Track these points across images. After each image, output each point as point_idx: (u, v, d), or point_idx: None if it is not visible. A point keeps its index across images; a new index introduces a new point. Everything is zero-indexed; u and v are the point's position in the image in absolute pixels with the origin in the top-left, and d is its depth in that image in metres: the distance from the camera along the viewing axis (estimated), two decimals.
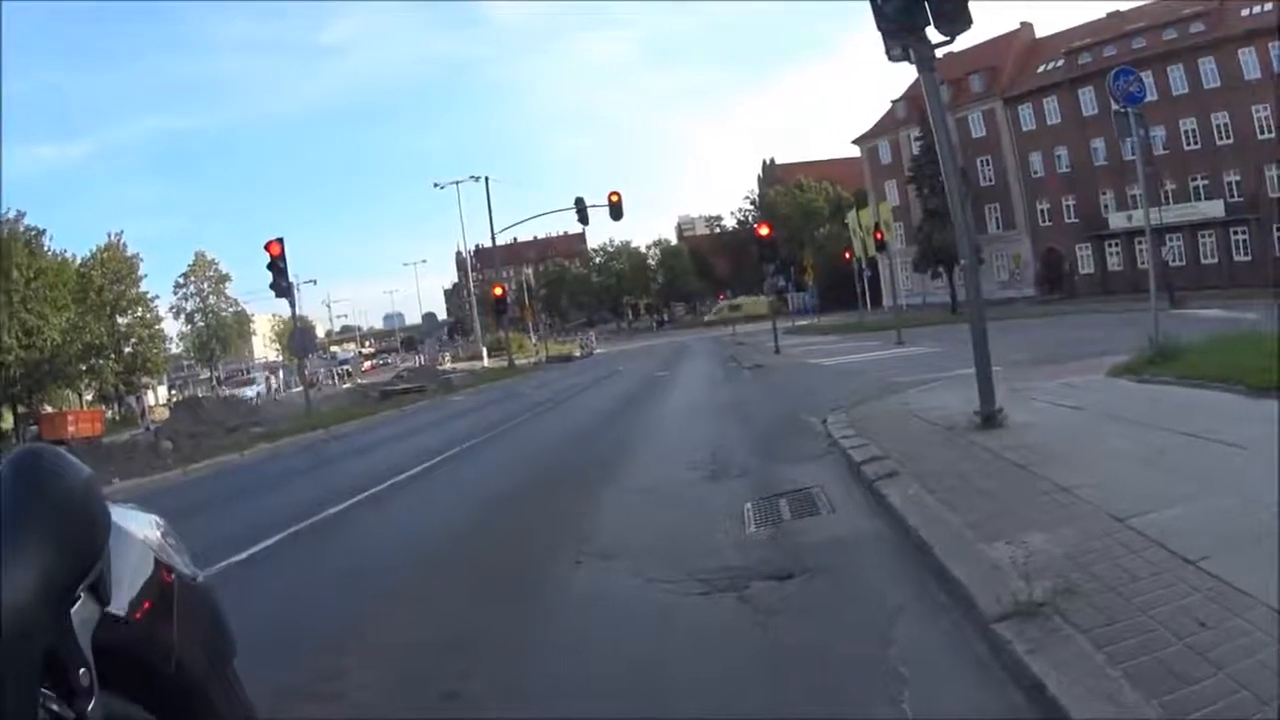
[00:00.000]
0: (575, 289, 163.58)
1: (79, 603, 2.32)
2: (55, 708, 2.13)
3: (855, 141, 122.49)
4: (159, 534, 3.23)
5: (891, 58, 13.04)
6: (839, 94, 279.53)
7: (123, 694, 2.58)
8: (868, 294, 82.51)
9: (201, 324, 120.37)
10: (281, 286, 37.61)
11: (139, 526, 3.11)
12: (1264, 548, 6.20)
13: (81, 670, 2.23)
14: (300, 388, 57.94)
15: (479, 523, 12.63)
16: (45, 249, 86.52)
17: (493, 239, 70.07)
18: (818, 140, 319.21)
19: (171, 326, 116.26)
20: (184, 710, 2.80)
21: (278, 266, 36.97)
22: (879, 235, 57.51)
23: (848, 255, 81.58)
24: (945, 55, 61.74)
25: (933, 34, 12.79)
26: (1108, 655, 5.03)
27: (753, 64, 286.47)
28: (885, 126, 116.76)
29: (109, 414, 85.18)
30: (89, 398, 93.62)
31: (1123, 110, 19.08)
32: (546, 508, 11.09)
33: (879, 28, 12.88)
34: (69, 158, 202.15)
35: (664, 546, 9.45)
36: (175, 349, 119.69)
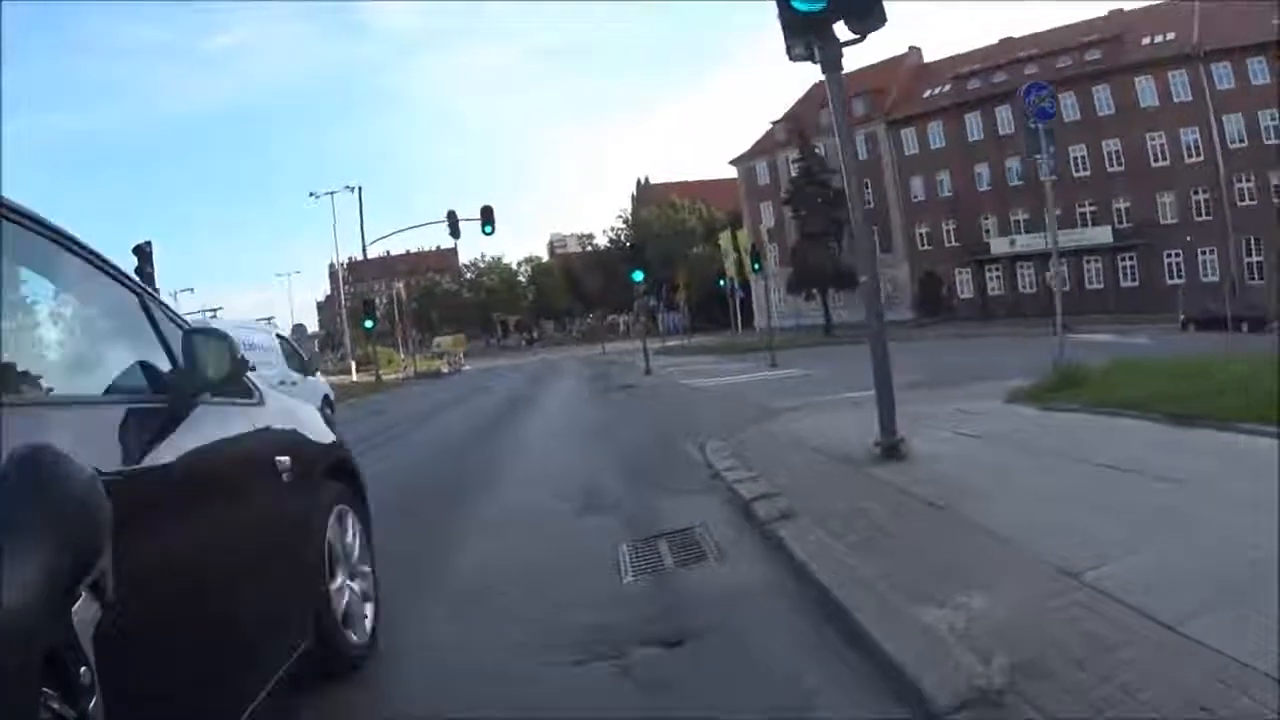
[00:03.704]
0: (446, 304, 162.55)
1: (80, 601, 2.32)
2: (56, 707, 2.13)
3: (732, 162, 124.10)
4: None
5: (793, 56, 11.83)
6: (716, 115, 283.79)
7: None
8: (739, 315, 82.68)
9: None
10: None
11: None
12: (1248, 603, 5.29)
13: (83, 669, 2.26)
14: None
15: None
16: None
17: (364, 250, 68.47)
18: (693, 161, 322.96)
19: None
20: None
21: (144, 271, 35.07)
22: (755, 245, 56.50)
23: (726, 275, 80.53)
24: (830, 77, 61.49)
25: (841, 31, 11.63)
26: None
27: (630, 84, 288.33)
28: (763, 148, 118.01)
29: None
30: None
31: (1034, 126, 18.37)
32: (389, 547, 9.46)
33: (782, 21, 11.71)
34: None
35: (526, 598, 8.01)
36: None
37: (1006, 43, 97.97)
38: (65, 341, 4.48)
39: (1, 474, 2.28)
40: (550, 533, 10.88)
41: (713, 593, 7.63)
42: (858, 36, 11.53)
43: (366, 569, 6.93)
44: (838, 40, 11.63)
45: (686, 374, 43.22)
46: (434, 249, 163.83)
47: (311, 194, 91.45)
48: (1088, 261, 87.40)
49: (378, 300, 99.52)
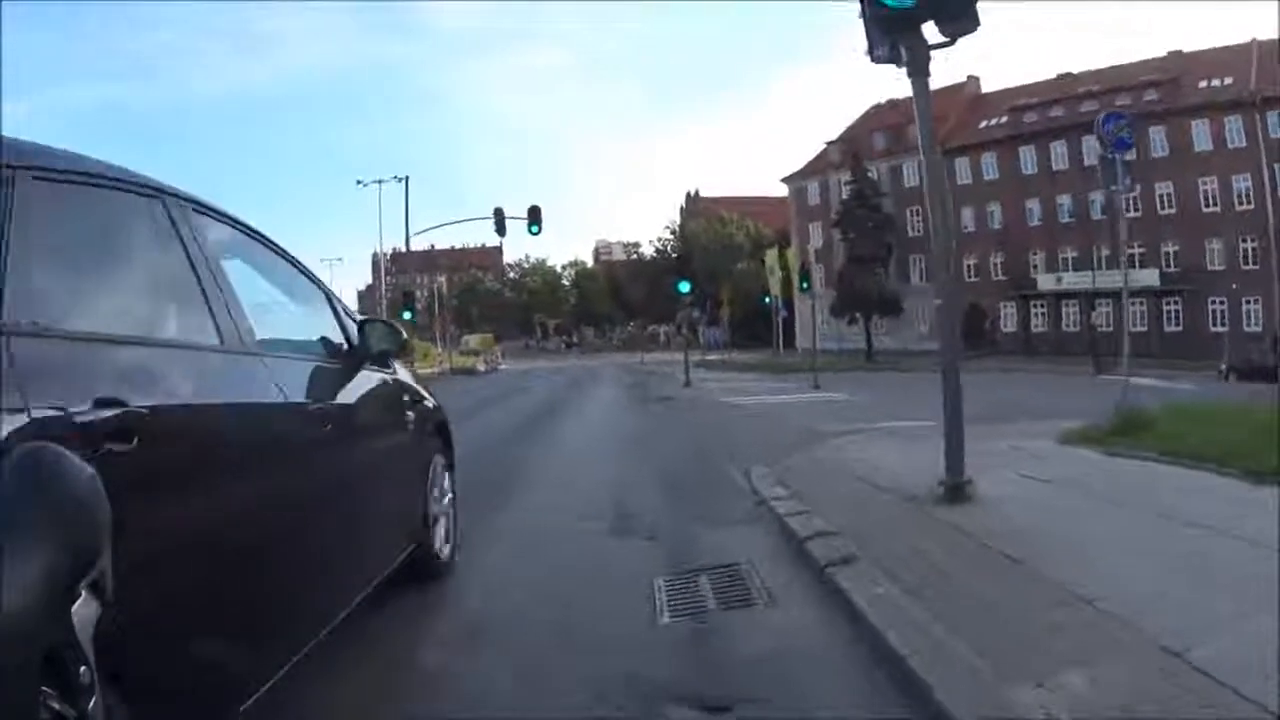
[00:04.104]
0: (487, 302, 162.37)
1: (80, 600, 2.40)
2: (56, 706, 2.21)
3: (784, 180, 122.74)
4: None
5: (875, 58, 10.80)
6: (770, 130, 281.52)
7: None
8: (780, 334, 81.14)
9: None
10: None
11: None
12: None
13: (82, 668, 2.35)
14: None
15: None
16: None
17: (407, 241, 67.08)
18: (743, 176, 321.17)
19: None
20: None
21: None
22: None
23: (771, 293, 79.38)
24: (887, 101, 61.20)
25: (931, 33, 10.69)
26: None
27: (683, 95, 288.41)
28: (816, 168, 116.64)
29: None
30: None
31: (1110, 156, 17.36)
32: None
33: (867, 19, 10.72)
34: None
35: (548, 636, 6.91)
36: None
37: (1065, 78, 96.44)
38: (287, 319, 6.63)
39: (2, 474, 2.27)
40: (580, 555, 9.83)
41: (763, 645, 6.54)
42: (948, 40, 10.55)
43: (450, 510, 9.08)
44: (926, 42, 10.67)
45: (727, 390, 42.31)
46: (479, 246, 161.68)
47: (358, 181, 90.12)
48: (1133, 304, 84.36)
49: (419, 294, 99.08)
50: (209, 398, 4.50)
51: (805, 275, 52.69)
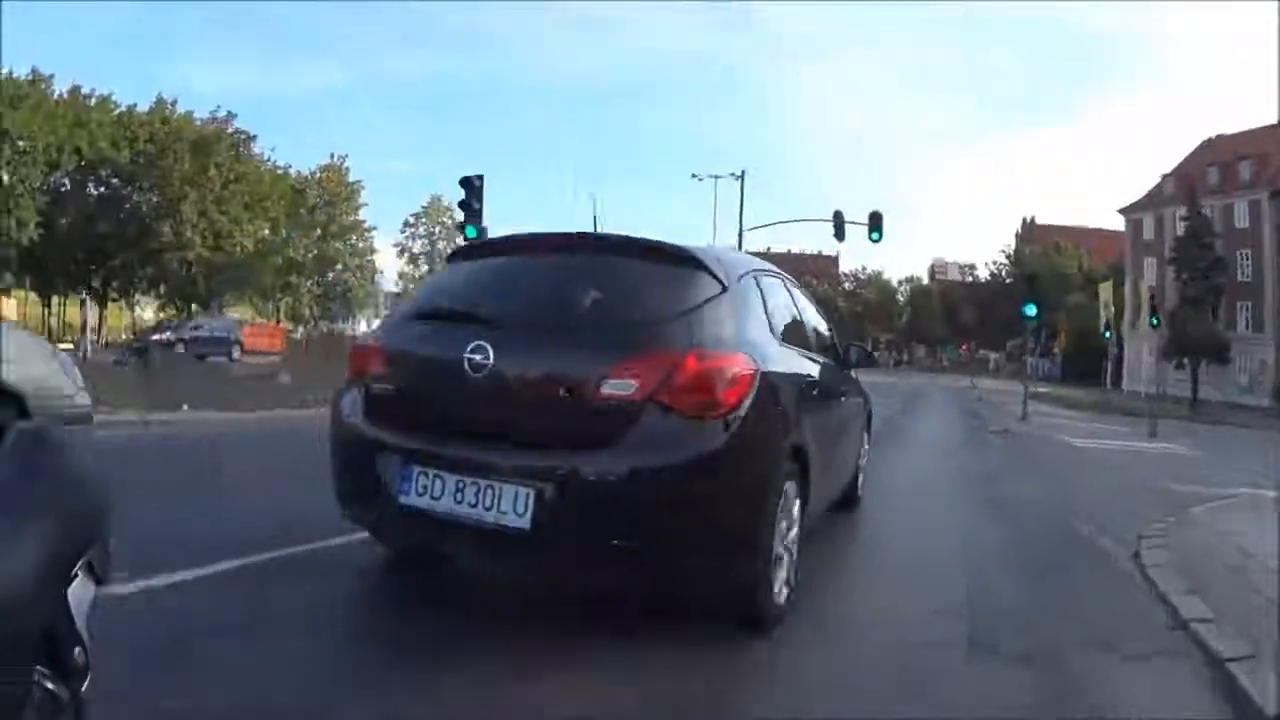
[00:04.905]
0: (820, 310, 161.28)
1: (76, 581, 2.33)
2: (50, 686, 2.15)
3: (1121, 211, 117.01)
4: None
5: None
6: (1105, 160, 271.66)
7: None
8: (1111, 372, 76.82)
9: (426, 267, 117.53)
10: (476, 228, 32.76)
11: None
12: None
13: (77, 649, 2.27)
14: None
15: None
16: (256, 156, 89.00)
17: (740, 238, 64.71)
18: (1078, 203, 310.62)
19: (394, 265, 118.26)
20: None
21: (470, 205, 32.60)
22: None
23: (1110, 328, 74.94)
24: (1218, 136, 59.20)
25: None
26: None
27: (1021, 116, 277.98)
28: (1152, 201, 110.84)
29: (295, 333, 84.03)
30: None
31: None
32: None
33: None
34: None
35: None
36: (394, 287, 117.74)
37: None
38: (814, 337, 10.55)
39: (5, 451, 2.22)
40: (926, 677, 6.82)
41: None
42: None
43: (866, 460, 14.01)
44: None
45: (1065, 429, 38.78)
46: (815, 253, 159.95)
47: (694, 175, 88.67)
48: None
49: None
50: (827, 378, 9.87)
51: (1155, 312, 49.40)
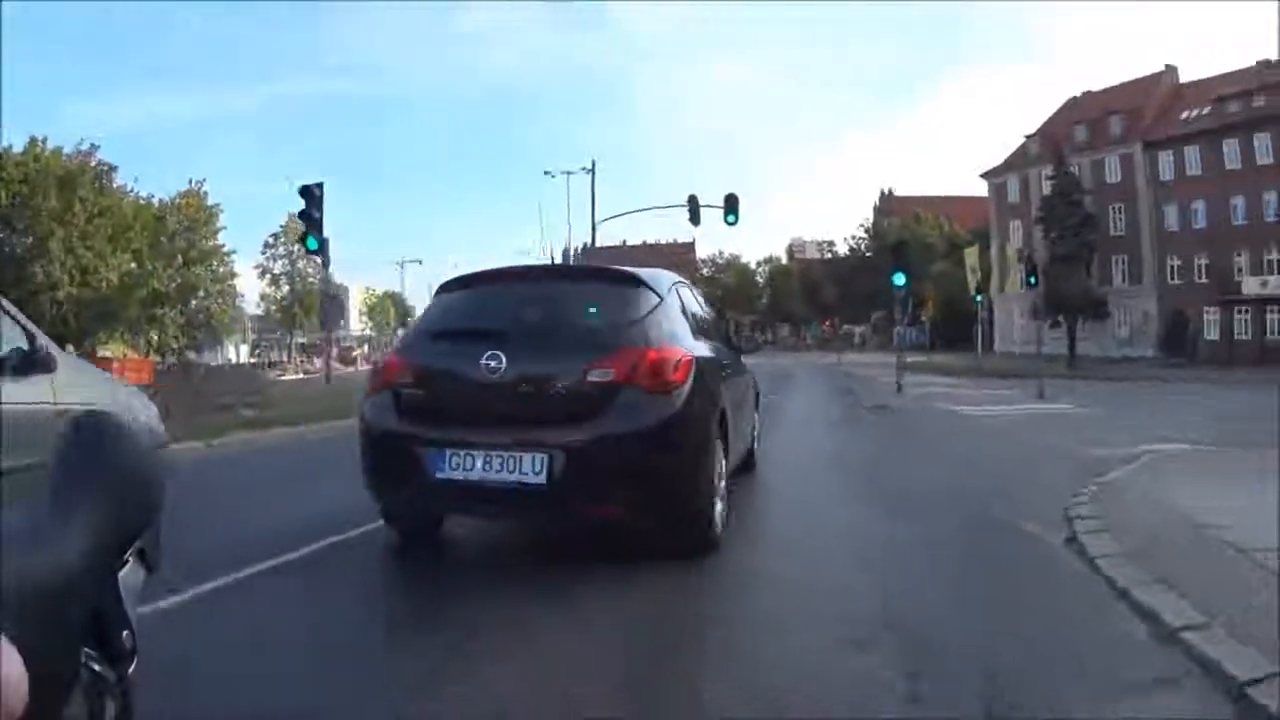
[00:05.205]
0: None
1: (127, 567, 2.40)
2: (97, 668, 2.14)
3: (983, 176, 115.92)
4: None
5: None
6: (964, 127, 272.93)
7: None
8: (982, 336, 76.26)
9: (287, 287, 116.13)
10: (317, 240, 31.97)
11: None
12: None
13: (125, 633, 2.26)
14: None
15: None
16: (119, 187, 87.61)
17: (593, 229, 63.09)
18: (937, 174, 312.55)
19: (255, 286, 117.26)
20: None
21: (310, 215, 31.36)
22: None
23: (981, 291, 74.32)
24: (1084, 94, 59.25)
25: None
26: None
27: (876, 90, 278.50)
28: (1015, 163, 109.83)
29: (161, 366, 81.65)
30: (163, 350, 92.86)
31: None
32: None
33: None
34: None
35: None
36: (257, 309, 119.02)
37: (1264, 66, 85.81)
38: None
39: (66, 437, 2.25)
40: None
41: None
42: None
43: (759, 425, 15.96)
44: None
45: (945, 397, 36.34)
46: (671, 241, 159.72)
47: (546, 172, 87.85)
48: None
49: None
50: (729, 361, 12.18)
51: (1033, 271, 47.86)
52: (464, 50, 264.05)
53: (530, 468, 8.38)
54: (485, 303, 10.16)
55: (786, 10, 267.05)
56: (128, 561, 2.36)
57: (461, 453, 8.56)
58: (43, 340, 8.38)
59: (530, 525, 10.71)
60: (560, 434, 8.42)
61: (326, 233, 31.09)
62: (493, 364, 8.69)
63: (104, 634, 2.15)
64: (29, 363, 8.11)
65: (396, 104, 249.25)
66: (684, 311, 10.51)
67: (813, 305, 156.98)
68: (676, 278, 11.41)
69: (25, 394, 7.94)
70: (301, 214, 31.68)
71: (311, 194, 31.14)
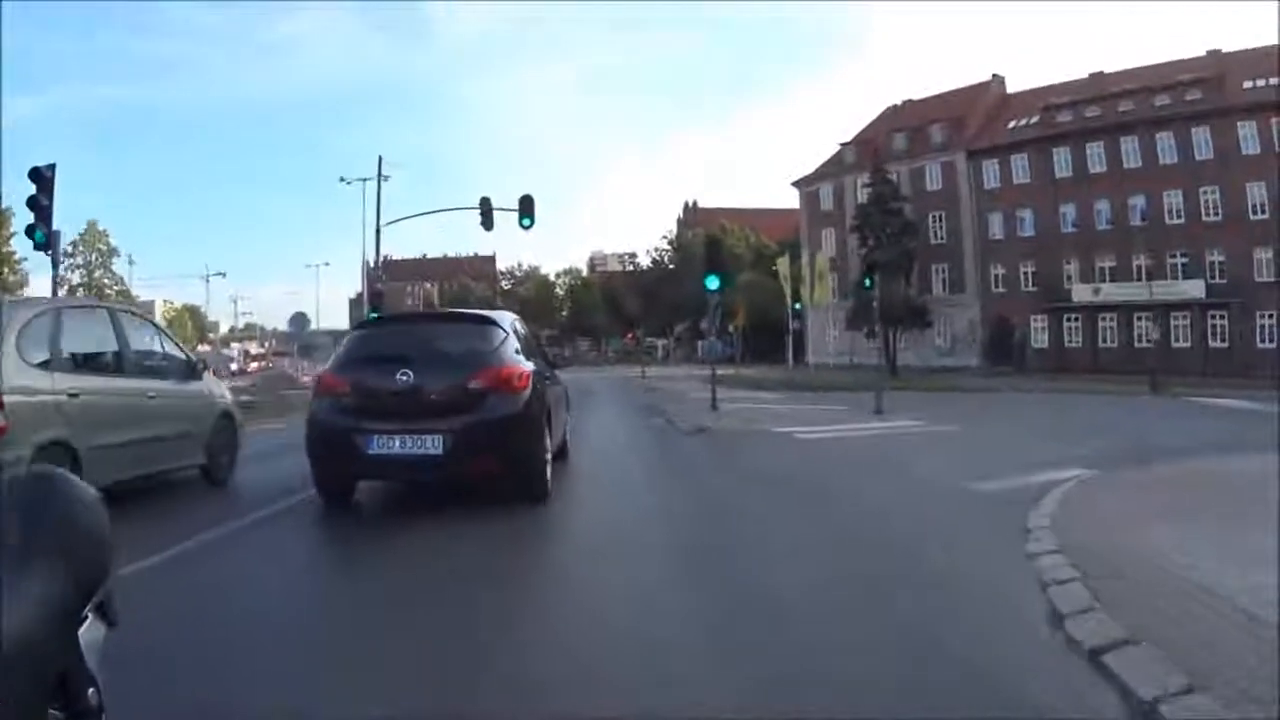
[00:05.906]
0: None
1: (87, 623, 2.33)
2: None
3: (795, 184, 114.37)
4: None
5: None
6: (774, 142, 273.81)
7: None
8: (792, 347, 78.14)
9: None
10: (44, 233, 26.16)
11: None
12: None
13: (90, 690, 2.27)
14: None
15: None
16: None
17: (377, 231, 57.80)
18: (747, 188, 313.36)
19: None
20: None
21: (39, 203, 25.72)
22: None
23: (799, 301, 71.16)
24: (905, 102, 55.10)
25: None
26: None
27: (681, 104, 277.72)
28: (829, 171, 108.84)
29: None
30: None
31: None
32: None
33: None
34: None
35: None
36: None
37: (1097, 77, 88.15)
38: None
39: (9, 498, 2.21)
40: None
41: None
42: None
43: (568, 426, 19.13)
44: None
45: (771, 416, 31.01)
46: (471, 254, 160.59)
47: (342, 179, 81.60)
48: (1176, 318, 77.52)
49: (409, 302, 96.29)
50: (548, 373, 16.86)
51: (870, 273, 46.36)
52: (273, 59, 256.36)
53: (432, 444, 12.55)
54: (393, 337, 14.81)
55: (594, 10, 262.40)
56: (87, 618, 2.26)
57: (385, 436, 12.67)
58: (194, 356, 16.59)
59: (432, 483, 13.66)
60: (450, 422, 12.65)
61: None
62: (403, 377, 12.94)
63: (70, 693, 2.12)
64: (194, 370, 15.94)
65: (204, 111, 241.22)
66: (520, 339, 14.97)
67: (615, 318, 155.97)
68: (514, 316, 16.61)
69: (199, 388, 15.95)
70: (29, 201, 26.22)
71: (42, 177, 25.86)
